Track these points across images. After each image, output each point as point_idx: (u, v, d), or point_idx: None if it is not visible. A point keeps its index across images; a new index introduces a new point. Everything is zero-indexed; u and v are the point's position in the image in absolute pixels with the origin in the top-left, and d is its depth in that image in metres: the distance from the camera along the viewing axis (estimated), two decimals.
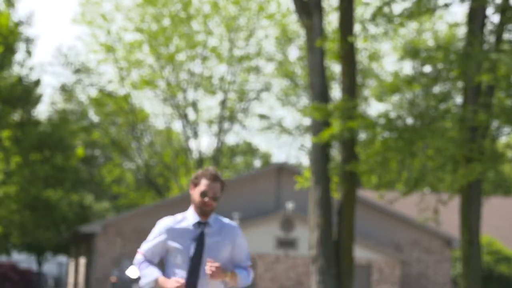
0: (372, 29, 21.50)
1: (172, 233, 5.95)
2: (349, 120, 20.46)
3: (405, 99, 21.09)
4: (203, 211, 5.93)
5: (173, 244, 5.94)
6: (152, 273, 5.95)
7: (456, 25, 23.22)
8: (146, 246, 6.09)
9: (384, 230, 36.02)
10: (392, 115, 20.96)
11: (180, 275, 5.92)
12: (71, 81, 47.79)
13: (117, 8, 45.53)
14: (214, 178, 5.91)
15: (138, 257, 6.11)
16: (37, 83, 37.51)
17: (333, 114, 21.07)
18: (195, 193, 6.00)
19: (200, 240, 5.91)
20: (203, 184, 5.92)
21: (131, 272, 6.30)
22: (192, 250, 5.89)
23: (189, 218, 6.01)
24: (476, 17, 20.29)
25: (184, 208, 30.65)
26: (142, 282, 6.01)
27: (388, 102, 22.30)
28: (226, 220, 6.14)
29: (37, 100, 37.77)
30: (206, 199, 5.90)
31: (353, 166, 21.07)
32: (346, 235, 21.83)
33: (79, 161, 43.42)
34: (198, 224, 5.95)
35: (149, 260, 6.07)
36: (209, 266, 5.77)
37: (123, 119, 47.51)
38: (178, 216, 6.06)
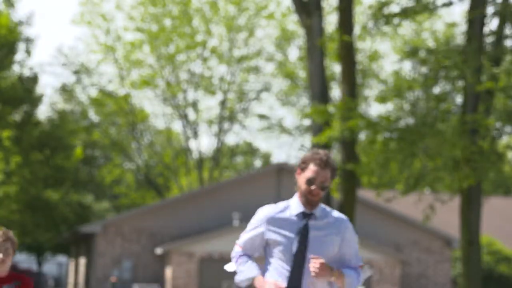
0: (372, 29, 21.53)
1: (273, 223, 5.27)
2: (349, 121, 20.46)
3: (406, 101, 21.09)
4: (309, 200, 5.23)
5: (273, 236, 5.27)
6: (250, 270, 5.31)
7: (454, 25, 23.22)
8: (244, 237, 5.41)
9: (384, 230, 36.00)
10: (393, 116, 20.97)
11: (280, 271, 5.26)
12: (71, 81, 47.84)
13: (118, 7, 45.54)
14: (324, 165, 5.19)
15: (236, 249, 5.45)
16: (35, 79, 37.46)
17: (333, 116, 21.07)
18: (301, 179, 5.27)
19: (303, 234, 5.22)
20: (311, 170, 5.20)
21: (229, 266, 5.57)
22: (294, 244, 5.22)
23: (292, 207, 5.31)
24: (475, 19, 20.27)
25: (184, 208, 30.56)
26: (238, 278, 5.39)
27: (389, 102, 22.31)
28: (335, 212, 5.39)
29: (37, 100, 37.75)
30: (313, 187, 5.20)
31: (353, 166, 21.06)
32: None
33: (79, 161, 43.42)
34: (303, 215, 5.27)
35: (248, 254, 5.43)
36: (312, 264, 5.12)
37: (123, 119, 47.50)
38: (281, 204, 5.37)
